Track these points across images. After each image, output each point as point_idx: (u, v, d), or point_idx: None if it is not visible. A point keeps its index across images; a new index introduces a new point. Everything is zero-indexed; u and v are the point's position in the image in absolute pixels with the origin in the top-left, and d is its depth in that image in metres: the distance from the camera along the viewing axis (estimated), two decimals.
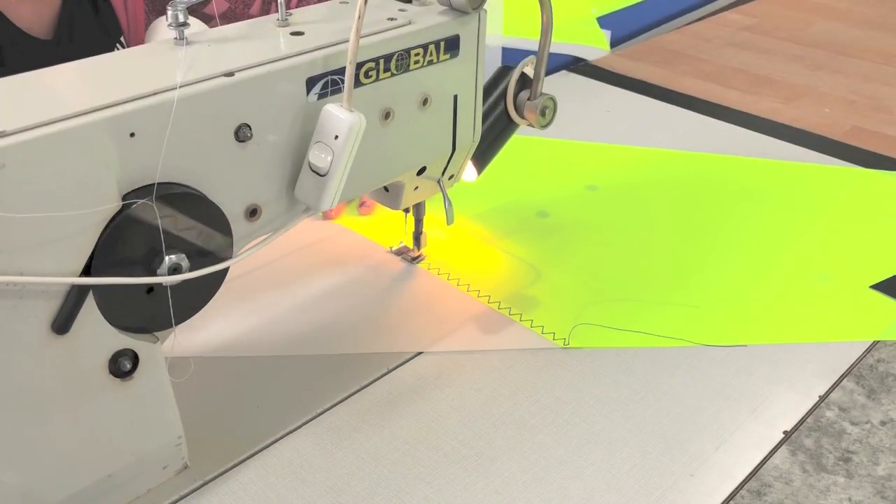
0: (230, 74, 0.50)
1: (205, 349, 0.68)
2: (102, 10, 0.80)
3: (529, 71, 0.72)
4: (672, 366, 0.67)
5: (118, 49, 0.79)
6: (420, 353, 0.68)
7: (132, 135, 0.46)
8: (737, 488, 0.56)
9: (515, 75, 0.72)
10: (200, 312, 0.53)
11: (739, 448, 0.59)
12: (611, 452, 0.59)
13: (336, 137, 0.53)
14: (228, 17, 0.91)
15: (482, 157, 0.75)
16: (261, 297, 0.74)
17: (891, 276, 0.78)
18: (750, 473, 0.57)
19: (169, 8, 0.52)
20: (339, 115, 0.52)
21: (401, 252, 0.80)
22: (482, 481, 0.56)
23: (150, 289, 0.49)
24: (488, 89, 0.73)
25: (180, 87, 0.47)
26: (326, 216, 0.85)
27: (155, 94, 0.47)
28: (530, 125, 0.73)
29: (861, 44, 1.41)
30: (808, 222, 0.88)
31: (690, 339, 0.69)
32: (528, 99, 0.72)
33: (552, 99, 0.72)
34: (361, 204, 0.85)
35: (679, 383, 0.65)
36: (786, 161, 0.98)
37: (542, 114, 0.72)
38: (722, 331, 0.71)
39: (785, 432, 0.61)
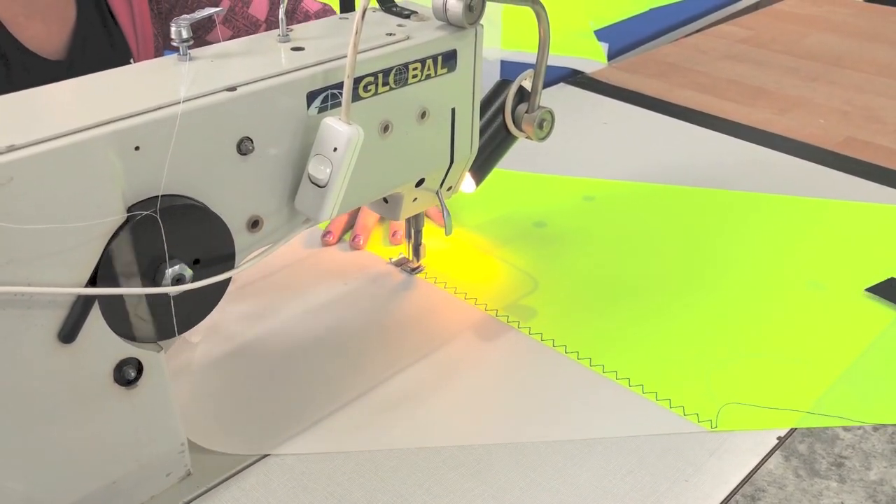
0: (232, 89, 0.51)
1: (206, 358, 0.69)
2: (113, 32, 0.81)
3: (527, 84, 0.73)
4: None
5: None
6: (419, 361, 0.69)
7: (137, 148, 0.47)
8: (731, 493, 0.57)
9: (513, 89, 0.73)
10: (203, 322, 0.54)
11: (733, 453, 0.60)
12: (606, 459, 0.60)
13: (335, 150, 0.54)
14: None
15: (481, 168, 0.77)
16: (261, 308, 0.75)
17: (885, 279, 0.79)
18: (744, 478, 0.58)
19: (172, 24, 0.53)
20: (337, 127, 0.54)
21: (400, 263, 0.82)
22: (480, 487, 0.57)
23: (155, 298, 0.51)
24: (487, 103, 0.75)
25: (184, 101, 0.49)
26: (355, 246, 0.84)
27: (159, 108, 0.48)
28: (528, 138, 0.75)
29: (855, 55, 1.43)
30: (800, 235, 0.89)
31: (854, 419, 0.63)
32: (526, 112, 0.73)
33: (550, 112, 0.73)
34: (353, 238, 0.84)
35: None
36: (778, 195, 0.98)
37: (540, 126, 0.73)
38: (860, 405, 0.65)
39: (779, 438, 0.61)
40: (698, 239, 0.87)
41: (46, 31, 0.76)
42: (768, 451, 0.60)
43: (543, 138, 0.74)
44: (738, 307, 0.76)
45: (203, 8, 0.57)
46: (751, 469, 0.59)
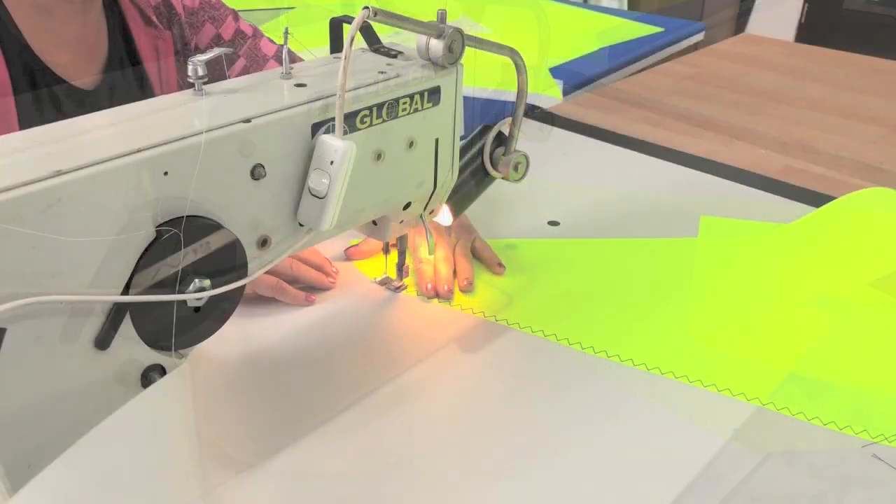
0: (247, 121, 0.57)
1: (216, 367, 0.74)
2: (142, 74, 0.88)
3: (506, 130, 0.81)
4: (639, 375, 0.75)
5: None
6: (414, 366, 0.75)
7: (166, 173, 0.53)
8: (695, 478, 0.64)
9: (493, 133, 0.80)
10: (216, 334, 0.60)
11: (697, 443, 0.67)
12: (579, 451, 0.66)
13: (332, 163, 0.60)
14: None
15: (459, 204, 0.83)
16: (261, 320, 0.81)
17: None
18: (706, 465, 0.65)
19: (189, 63, 0.59)
20: (332, 142, 0.60)
21: (384, 282, 0.87)
22: (474, 481, 0.63)
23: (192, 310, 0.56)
24: (468, 146, 0.82)
25: (206, 131, 0.54)
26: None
27: (185, 137, 0.54)
28: (504, 178, 0.82)
29: (791, 92, 1.54)
30: (748, 252, 0.97)
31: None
32: (503, 154, 0.80)
33: (525, 156, 0.81)
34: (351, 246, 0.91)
35: (641, 389, 0.73)
36: (725, 218, 1.08)
37: (515, 169, 0.81)
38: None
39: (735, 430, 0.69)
40: (658, 254, 0.95)
41: (74, 63, 0.82)
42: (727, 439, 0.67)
43: (519, 180, 0.82)
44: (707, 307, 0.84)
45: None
46: (713, 455, 0.66)
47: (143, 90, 0.89)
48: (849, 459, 0.65)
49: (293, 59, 0.98)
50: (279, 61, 0.98)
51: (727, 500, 0.61)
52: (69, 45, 0.82)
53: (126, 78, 0.87)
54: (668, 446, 0.67)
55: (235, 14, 0.97)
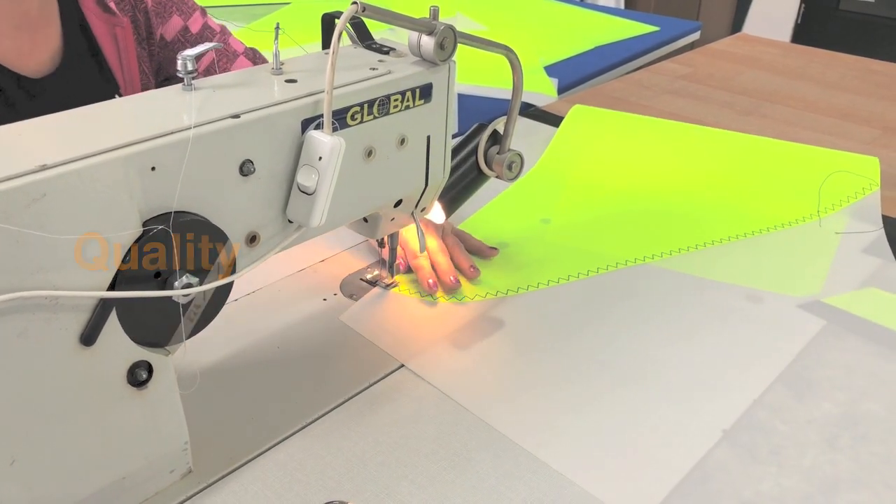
0: (237, 116, 0.57)
1: (207, 363, 0.74)
2: (101, 63, 0.86)
3: (501, 128, 0.80)
4: (627, 378, 0.75)
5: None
6: (402, 366, 0.75)
7: (153, 168, 0.52)
8: (683, 479, 0.64)
9: (487, 132, 0.80)
10: (205, 330, 0.59)
11: (685, 445, 0.67)
12: (569, 452, 0.66)
13: (320, 158, 0.60)
14: None
15: (452, 202, 0.83)
16: (250, 317, 0.81)
17: None
18: (694, 466, 0.65)
19: (178, 58, 0.59)
20: (321, 138, 0.60)
21: (375, 280, 0.87)
22: (459, 478, 0.63)
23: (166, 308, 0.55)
24: (463, 144, 0.81)
25: (195, 126, 0.54)
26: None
27: (173, 133, 0.53)
28: (498, 177, 0.81)
29: (784, 92, 1.54)
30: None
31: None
32: (497, 153, 0.80)
33: (519, 154, 0.80)
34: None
35: (629, 392, 0.73)
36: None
37: (509, 168, 0.81)
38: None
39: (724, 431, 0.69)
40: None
41: (17, 48, 0.79)
42: (715, 442, 0.67)
43: (513, 179, 0.81)
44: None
45: (194, 47, 0.59)
46: (699, 458, 0.66)
47: (103, 79, 0.86)
48: (837, 462, 0.65)
49: (260, 60, 0.98)
50: (248, 58, 0.98)
51: (715, 502, 0.61)
52: (8, 30, 0.79)
53: (84, 66, 0.84)
54: (656, 448, 0.66)
55: (203, 10, 0.97)
